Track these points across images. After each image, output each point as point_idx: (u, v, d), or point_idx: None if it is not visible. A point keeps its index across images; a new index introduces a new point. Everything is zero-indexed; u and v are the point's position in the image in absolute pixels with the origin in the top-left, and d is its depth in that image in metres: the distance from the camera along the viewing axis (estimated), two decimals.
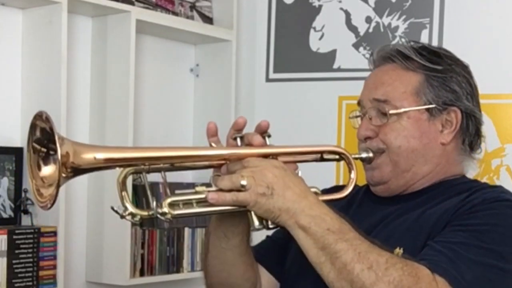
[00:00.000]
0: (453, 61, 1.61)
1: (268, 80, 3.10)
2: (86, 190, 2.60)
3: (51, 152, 1.29)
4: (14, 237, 2.28)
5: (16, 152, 2.39)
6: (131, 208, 1.34)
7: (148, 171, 1.37)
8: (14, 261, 2.27)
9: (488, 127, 2.59)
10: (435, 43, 2.75)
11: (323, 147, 1.52)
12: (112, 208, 1.35)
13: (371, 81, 1.62)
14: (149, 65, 2.86)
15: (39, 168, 1.32)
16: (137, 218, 1.35)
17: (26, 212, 2.38)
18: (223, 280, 1.61)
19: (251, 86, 3.12)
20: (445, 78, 1.57)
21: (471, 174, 1.66)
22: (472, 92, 1.60)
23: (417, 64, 1.57)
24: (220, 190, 1.36)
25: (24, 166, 2.39)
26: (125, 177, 1.37)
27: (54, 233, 2.36)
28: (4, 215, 2.37)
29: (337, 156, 1.53)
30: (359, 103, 1.63)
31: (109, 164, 1.34)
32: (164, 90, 2.94)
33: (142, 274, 2.66)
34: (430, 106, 1.55)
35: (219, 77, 2.95)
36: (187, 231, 2.82)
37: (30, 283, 2.30)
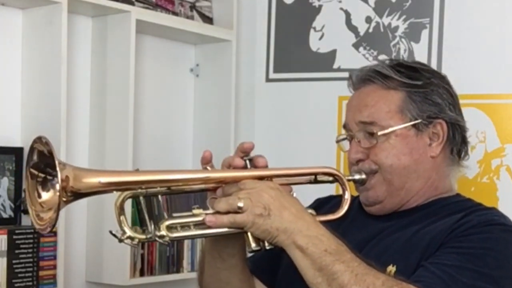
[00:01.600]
0: (431, 73, 1.64)
1: (268, 80, 3.10)
2: None
3: (49, 177, 1.31)
4: (14, 237, 2.28)
5: (16, 152, 2.39)
6: (129, 232, 1.38)
7: (145, 195, 1.39)
8: (14, 261, 2.27)
9: (488, 127, 2.60)
10: (435, 43, 2.75)
11: (316, 169, 1.54)
12: (111, 232, 1.38)
13: (354, 104, 1.64)
14: (149, 65, 2.86)
15: (38, 193, 1.33)
16: (136, 241, 1.38)
17: (26, 212, 2.38)
18: None
19: (251, 86, 3.11)
20: (426, 92, 1.59)
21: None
22: (454, 101, 1.63)
23: (397, 82, 1.60)
24: (217, 212, 1.38)
25: (24, 166, 2.39)
26: (123, 201, 1.39)
27: (54, 233, 2.36)
28: (4, 215, 2.37)
29: (330, 178, 1.55)
30: (345, 126, 1.65)
31: (108, 188, 1.36)
32: (164, 90, 2.94)
33: (142, 274, 2.66)
34: (416, 121, 1.57)
35: (219, 77, 2.95)
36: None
37: (30, 283, 2.30)
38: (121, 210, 1.38)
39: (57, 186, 1.27)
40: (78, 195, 1.32)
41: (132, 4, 2.65)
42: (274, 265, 1.65)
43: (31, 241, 2.31)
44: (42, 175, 1.32)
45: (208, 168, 1.46)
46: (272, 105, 3.07)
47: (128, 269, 2.56)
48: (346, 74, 2.89)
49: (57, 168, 1.26)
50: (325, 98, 2.96)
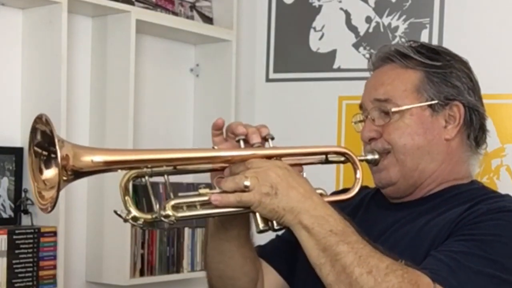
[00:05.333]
0: (452, 57, 1.60)
1: (268, 80, 3.10)
2: (86, 190, 2.60)
3: (52, 155, 1.29)
4: (14, 237, 2.28)
5: (16, 152, 2.39)
6: (134, 212, 1.34)
7: (151, 175, 1.36)
8: (14, 261, 2.27)
9: (488, 127, 2.60)
10: (435, 43, 2.75)
11: (327, 148, 1.51)
12: (115, 212, 1.35)
13: (371, 83, 1.60)
14: (149, 65, 2.86)
15: (41, 171, 1.31)
16: (140, 221, 1.34)
17: (26, 212, 2.38)
18: (221, 272, 1.60)
19: (251, 86, 3.11)
20: (445, 73, 1.56)
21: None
22: (473, 87, 1.59)
23: (416, 62, 1.56)
24: (224, 192, 1.35)
25: (24, 166, 2.39)
26: (128, 181, 1.36)
27: (54, 233, 2.36)
28: (4, 215, 2.37)
29: (342, 158, 1.51)
30: (361, 107, 1.62)
31: (110, 166, 1.33)
32: (164, 90, 2.94)
33: (142, 274, 2.66)
34: (432, 102, 1.54)
35: (219, 77, 2.95)
36: (187, 231, 2.82)
37: (30, 283, 2.30)
38: (126, 190, 1.35)
39: (58, 165, 1.25)
40: (79, 173, 1.29)
41: (132, 4, 2.65)
42: (289, 254, 1.63)
43: (31, 241, 2.31)
44: (45, 153, 1.30)
45: (216, 147, 1.45)
46: (272, 105, 3.07)
47: (128, 269, 2.56)
48: (346, 74, 2.96)
49: (57, 146, 1.24)
50: (325, 98, 2.96)
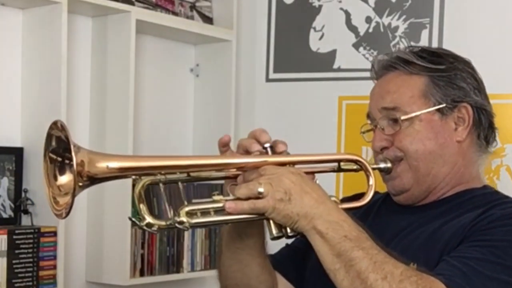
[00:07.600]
0: (454, 58, 1.61)
1: (268, 80, 3.10)
2: (86, 190, 2.59)
3: (67, 161, 1.29)
4: (14, 237, 2.28)
5: (16, 152, 2.39)
6: (149, 219, 1.34)
7: (165, 183, 1.37)
8: (14, 261, 2.27)
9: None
10: (435, 43, 2.76)
11: (339, 155, 1.54)
12: (130, 219, 1.36)
13: (377, 92, 1.60)
14: (149, 65, 2.86)
15: (56, 177, 1.32)
16: (155, 228, 1.35)
17: (26, 212, 2.38)
18: (238, 281, 1.60)
19: (251, 86, 3.12)
20: (450, 76, 1.56)
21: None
22: (479, 86, 1.60)
23: (420, 67, 1.57)
24: (238, 198, 1.36)
25: (24, 166, 2.39)
26: (142, 189, 1.36)
27: (54, 233, 2.36)
28: (4, 215, 2.37)
29: (354, 167, 1.52)
30: (368, 116, 1.62)
31: (124, 173, 1.34)
32: (164, 90, 2.94)
33: (142, 274, 2.66)
34: (440, 106, 1.55)
35: (219, 77, 2.95)
36: (187, 231, 2.82)
37: (30, 283, 2.30)
38: (140, 197, 1.36)
39: (73, 171, 1.26)
40: (94, 179, 1.30)
41: (132, 4, 2.65)
42: (299, 262, 1.64)
43: (31, 241, 2.31)
44: (60, 159, 1.31)
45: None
46: (272, 105, 3.07)
47: (128, 269, 2.56)
48: (346, 74, 2.97)
49: (72, 152, 1.25)
50: (325, 98, 2.96)
